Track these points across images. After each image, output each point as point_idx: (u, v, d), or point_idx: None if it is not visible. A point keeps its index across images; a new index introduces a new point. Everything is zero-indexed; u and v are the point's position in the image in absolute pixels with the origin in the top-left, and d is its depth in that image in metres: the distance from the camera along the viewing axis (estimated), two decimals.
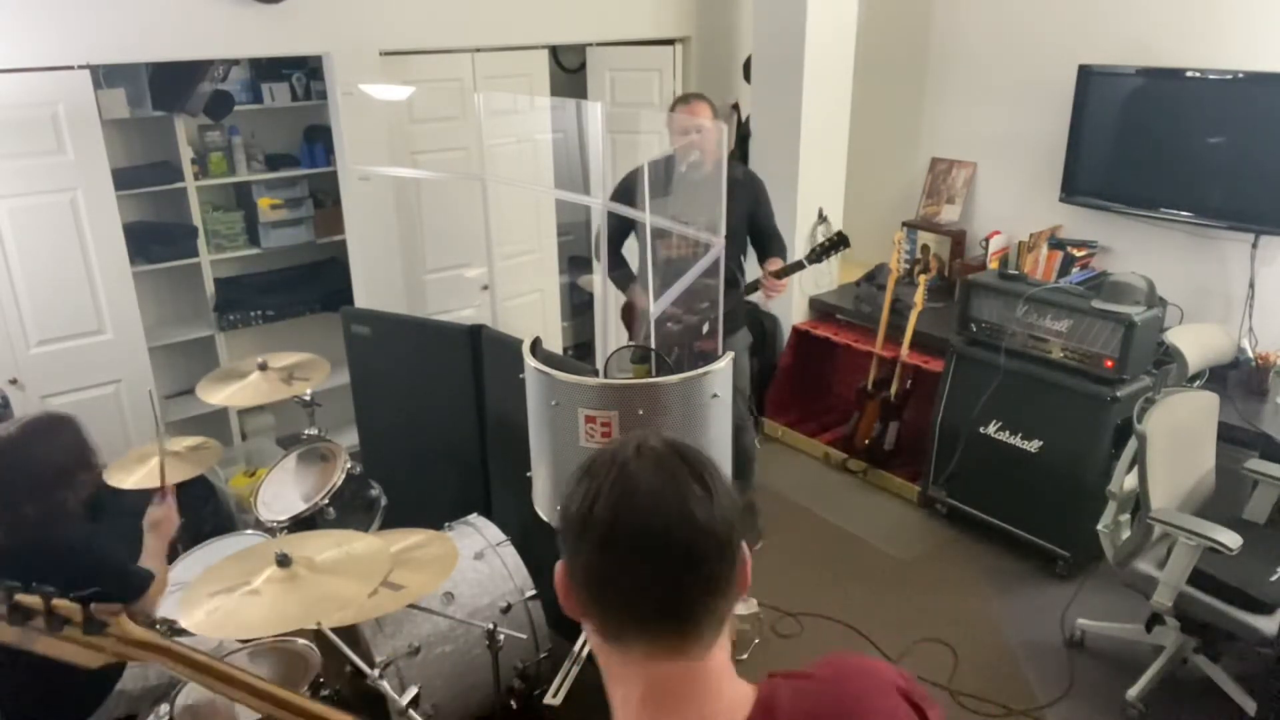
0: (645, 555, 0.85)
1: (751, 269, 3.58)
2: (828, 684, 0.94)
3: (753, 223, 3.51)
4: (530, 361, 2.03)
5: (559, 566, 0.91)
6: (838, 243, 3.47)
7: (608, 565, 0.86)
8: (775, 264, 3.45)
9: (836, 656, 0.98)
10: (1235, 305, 3.77)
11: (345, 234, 4.27)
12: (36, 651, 0.95)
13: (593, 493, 0.87)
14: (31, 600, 0.94)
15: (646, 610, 0.87)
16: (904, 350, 4.16)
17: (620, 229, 3.44)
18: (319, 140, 4.50)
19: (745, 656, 3.16)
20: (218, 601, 2.04)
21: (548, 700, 2.26)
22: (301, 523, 2.85)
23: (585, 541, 0.87)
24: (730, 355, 2.03)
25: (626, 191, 3.30)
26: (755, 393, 4.00)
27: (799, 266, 3.44)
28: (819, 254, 3.47)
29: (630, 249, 3.56)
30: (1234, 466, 3.07)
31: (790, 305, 4.70)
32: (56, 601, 0.94)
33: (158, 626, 2.61)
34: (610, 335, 4.02)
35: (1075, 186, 4.12)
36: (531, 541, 2.81)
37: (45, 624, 0.94)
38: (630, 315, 3.65)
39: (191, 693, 2.24)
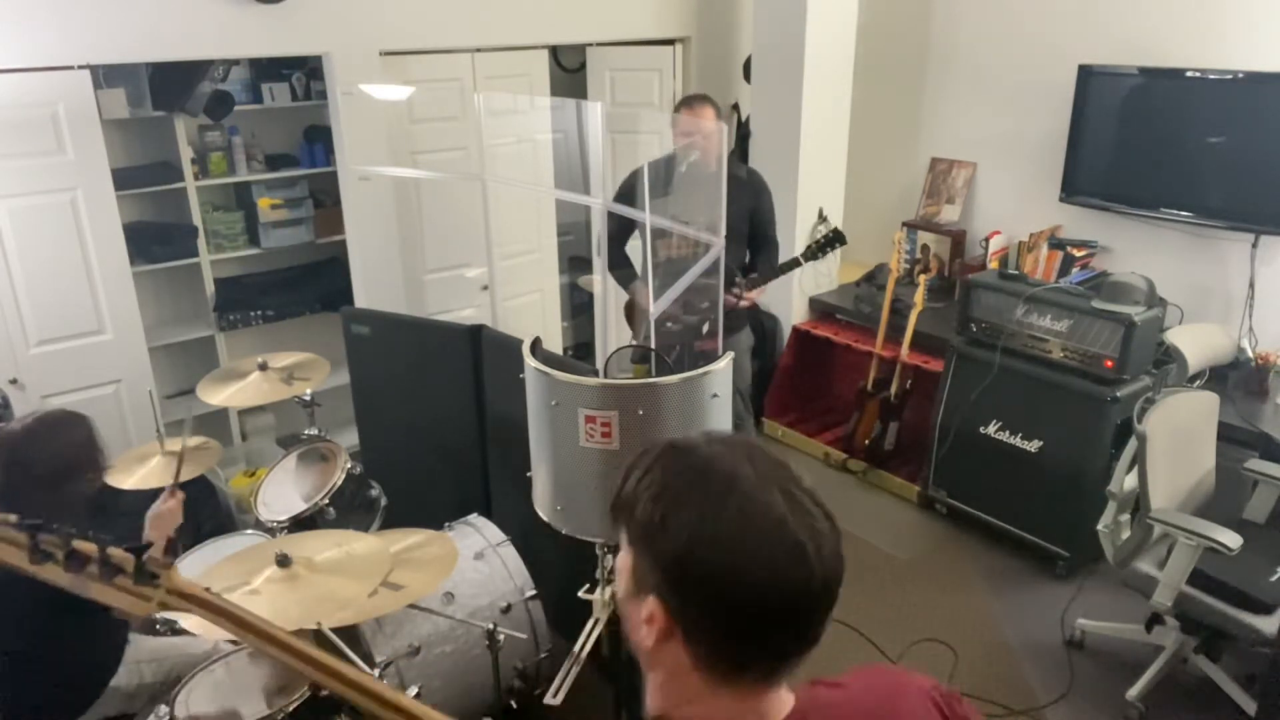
0: (796, 606, 0.82)
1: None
2: (859, 694, 0.94)
3: (752, 224, 3.51)
4: (530, 361, 2.03)
5: (653, 605, 0.84)
6: (833, 239, 3.47)
7: (752, 621, 0.81)
8: (750, 278, 3.46)
9: (866, 668, 0.98)
10: (1235, 305, 3.77)
11: (345, 234, 4.27)
12: (89, 596, 0.98)
13: (717, 534, 0.80)
14: (88, 548, 0.97)
15: (784, 650, 0.84)
16: (904, 350, 4.16)
17: (623, 228, 3.45)
18: (319, 140, 4.50)
19: None
20: None
21: (548, 700, 2.27)
22: (301, 523, 2.85)
23: (724, 591, 0.81)
24: (730, 355, 2.03)
25: (629, 191, 3.30)
26: (755, 393, 4.00)
27: (795, 264, 3.44)
28: (815, 251, 3.46)
29: (634, 248, 3.56)
30: (1234, 466, 3.07)
31: (790, 305, 4.70)
32: (111, 550, 0.97)
33: (158, 627, 2.62)
34: (610, 335, 4.03)
35: (1075, 186, 4.12)
36: (531, 541, 2.81)
37: (99, 571, 0.97)
38: (633, 313, 3.65)
39: (194, 697, 2.24)
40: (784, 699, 0.88)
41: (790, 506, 0.82)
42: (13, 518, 0.97)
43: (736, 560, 0.80)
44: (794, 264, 3.44)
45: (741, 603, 0.81)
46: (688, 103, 3.44)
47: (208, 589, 1.02)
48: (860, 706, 0.93)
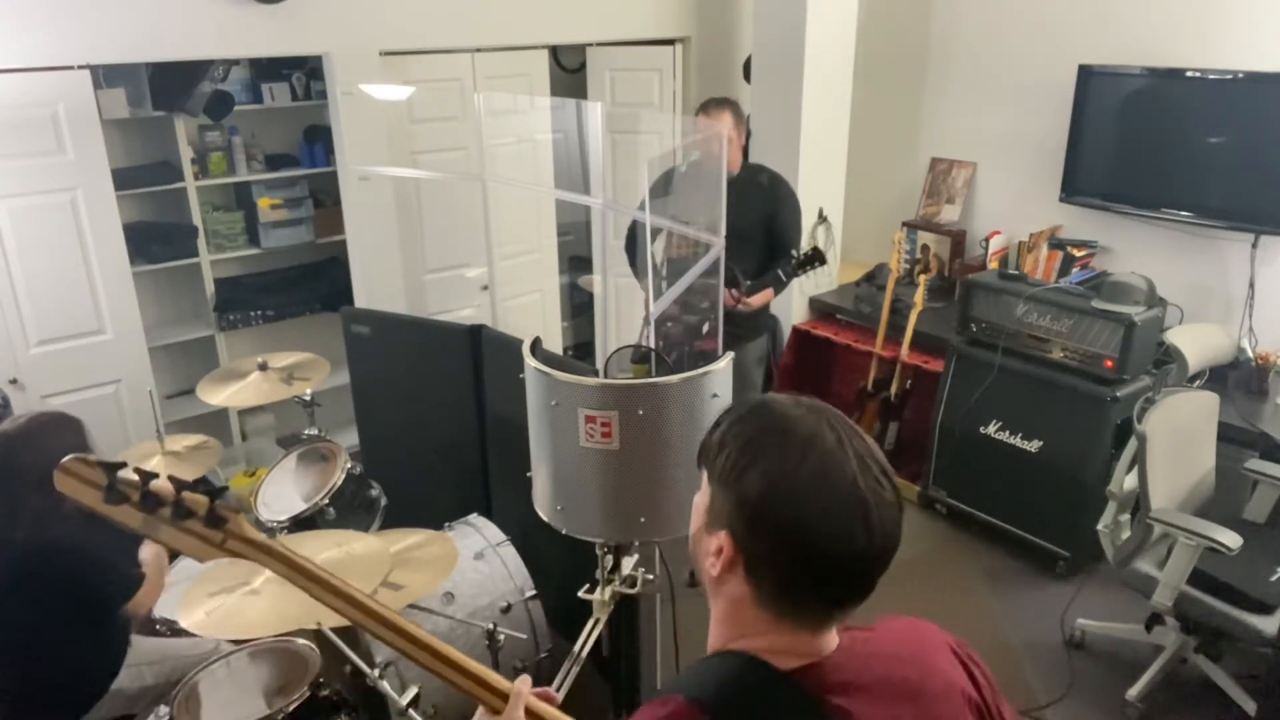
0: (854, 562, 0.90)
1: None
2: (892, 639, 1.03)
3: (770, 229, 3.47)
4: (530, 361, 2.03)
5: (725, 539, 0.92)
6: (812, 259, 3.36)
7: (813, 569, 0.90)
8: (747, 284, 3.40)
9: (892, 618, 1.07)
10: (1235, 305, 3.77)
11: (345, 234, 4.27)
12: (159, 539, 1.00)
13: (793, 487, 0.88)
14: (165, 488, 0.99)
15: (838, 599, 0.93)
16: (904, 350, 4.15)
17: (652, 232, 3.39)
18: (319, 140, 4.50)
19: None
20: (218, 601, 2.04)
21: None
22: (301, 523, 2.85)
23: (791, 538, 0.89)
24: (730, 355, 2.03)
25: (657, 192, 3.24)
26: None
27: (778, 281, 3.34)
28: (793, 270, 3.35)
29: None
30: (1234, 466, 3.07)
31: (790, 305, 4.69)
32: (186, 493, 0.98)
33: (159, 627, 2.62)
34: (610, 335, 4.03)
35: (1075, 186, 4.12)
36: (531, 541, 2.81)
37: (171, 513, 0.98)
38: None
39: (194, 698, 2.24)
40: (831, 638, 0.97)
41: (862, 471, 0.89)
42: (93, 456, 0.98)
43: (806, 514, 0.88)
44: (777, 281, 3.33)
45: (805, 551, 0.89)
46: (704, 108, 3.41)
47: (272, 539, 1.03)
48: (895, 650, 1.02)
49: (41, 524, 2.18)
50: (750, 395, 0.99)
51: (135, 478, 0.98)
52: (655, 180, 3.39)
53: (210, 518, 1.00)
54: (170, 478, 0.99)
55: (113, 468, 0.98)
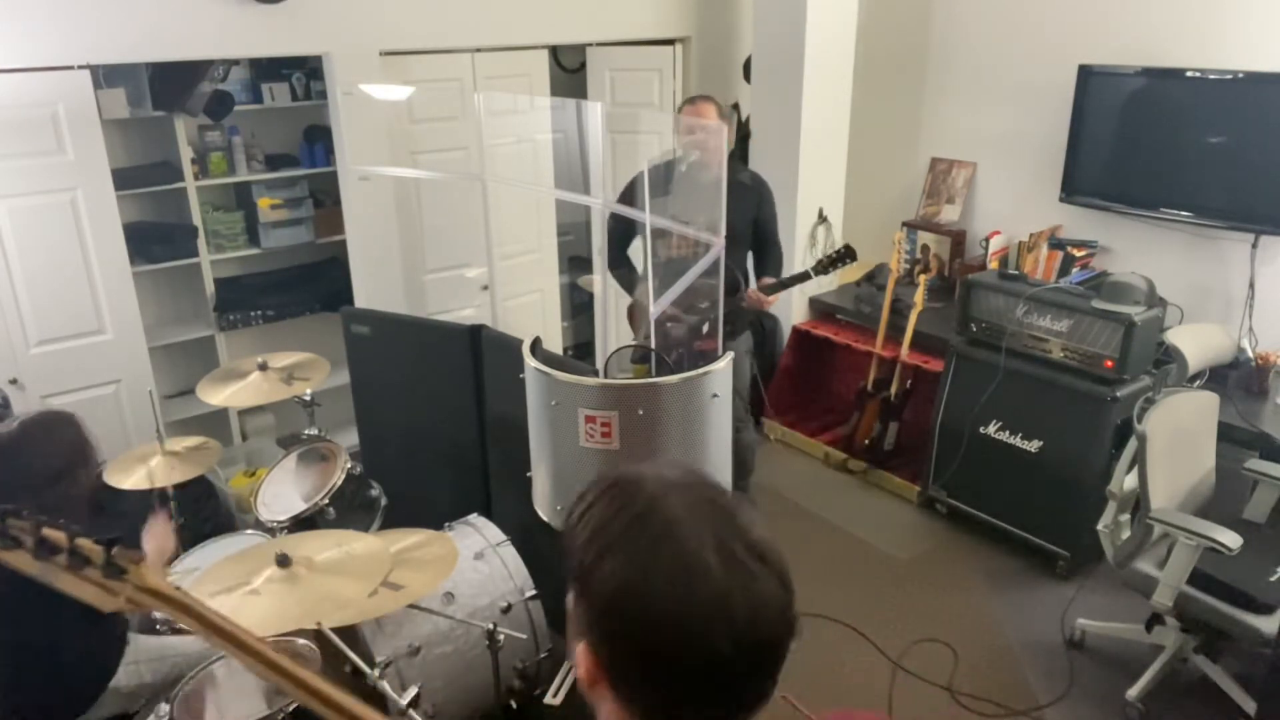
0: (716, 669, 0.75)
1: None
2: None
3: (756, 228, 3.51)
4: (530, 361, 2.03)
5: (583, 651, 0.80)
6: (844, 255, 3.42)
7: (673, 680, 0.76)
8: (766, 282, 3.45)
9: (845, 714, 0.95)
10: (1235, 305, 3.77)
11: (345, 234, 4.27)
12: (60, 586, 0.98)
13: (643, 586, 0.75)
14: (57, 536, 0.96)
15: (711, 715, 0.78)
16: (904, 350, 4.15)
17: (626, 230, 3.45)
18: (319, 140, 4.50)
19: None
20: (217, 601, 2.04)
21: (548, 700, 2.27)
22: (301, 523, 2.85)
23: (644, 646, 0.75)
24: (730, 355, 2.03)
25: (631, 193, 3.30)
26: (755, 393, 4.00)
27: (804, 277, 3.42)
28: (825, 266, 3.42)
29: (635, 249, 3.56)
30: (1234, 466, 3.07)
31: (790, 305, 4.70)
32: (80, 540, 0.96)
33: (159, 627, 2.62)
34: (610, 335, 4.02)
35: (1075, 186, 4.12)
36: (531, 542, 2.81)
37: (67, 561, 0.96)
38: (635, 315, 3.65)
39: (194, 697, 2.24)
40: None
41: (724, 561, 0.75)
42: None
43: (656, 616, 0.74)
44: (804, 277, 3.42)
45: (661, 660, 0.75)
46: (691, 101, 3.45)
47: (178, 587, 1.01)
48: None
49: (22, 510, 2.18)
50: (624, 468, 0.84)
51: (27, 524, 0.96)
52: (654, 169, 3.41)
53: (108, 566, 0.98)
54: (62, 524, 0.98)
55: (4, 514, 0.95)
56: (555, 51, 5.18)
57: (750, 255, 3.60)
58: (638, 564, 0.75)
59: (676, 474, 0.82)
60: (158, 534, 2.46)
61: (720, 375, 1.98)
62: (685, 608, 0.74)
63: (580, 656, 0.80)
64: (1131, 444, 2.85)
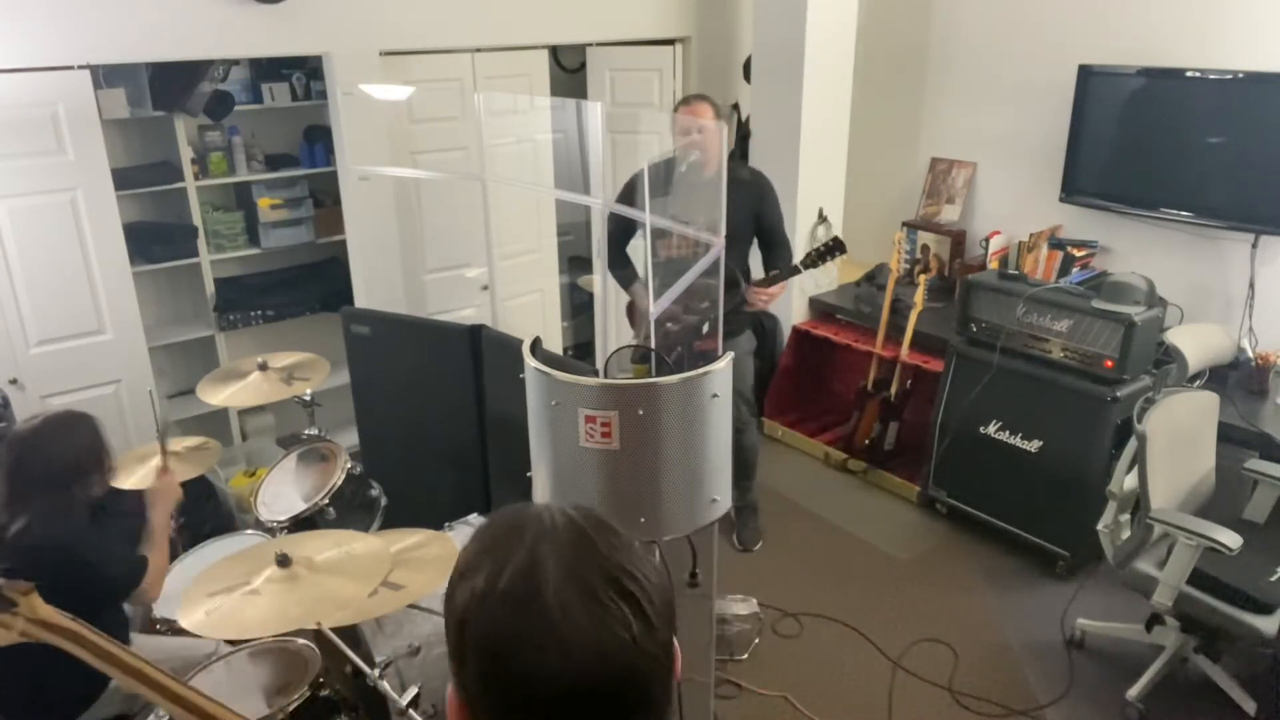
0: (586, 708, 0.72)
1: (757, 272, 3.57)
2: None
3: (759, 224, 3.50)
4: (530, 361, 2.03)
5: (451, 694, 0.77)
6: (833, 248, 3.42)
7: (522, 713, 0.73)
8: (759, 281, 3.43)
9: None
10: (1235, 305, 3.77)
11: (345, 234, 4.27)
12: None
13: (501, 628, 0.72)
14: None
15: None
16: (904, 350, 4.16)
17: (624, 229, 3.45)
18: (319, 140, 4.50)
19: (745, 656, 3.16)
20: (217, 601, 2.04)
21: None
22: (301, 523, 2.85)
23: (497, 687, 0.73)
24: (730, 355, 2.03)
25: (630, 192, 3.30)
26: (756, 393, 4.00)
27: (794, 271, 3.42)
28: (814, 259, 3.42)
29: (634, 248, 3.56)
30: (1234, 466, 3.07)
31: (790, 305, 4.70)
32: None
33: (158, 627, 2.62)
34: (610, 335, 4.03)
35: (1075, 186, 4.12)
36: None
37: None
38: (633, 314, 3.66)
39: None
40: None
41: (569, 592, 0.72)
42: None
43: (501, 643, 0.72)
44: (793, 271, 3.42)
45: (511, 692, 0.73)
46: (686, 101, 3.45)
47: (74, 618, 0.99)
48: None
49: (50, 522, 2.19)
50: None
51: None
52: (653, 168, 3.41)
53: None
54: None
55: None
56: (555, 51, 5.18)
57: (759, 255, 3.58)
58: (489, 585, 0.74)
59: (557, 510, 0.80)
60: (159, 489, 2.51)
61: (720, 375, 1.98)
62: (528, 635, 0.71)
63: (450, 690, 0.78)
64: (1131, 444, 2.85)
